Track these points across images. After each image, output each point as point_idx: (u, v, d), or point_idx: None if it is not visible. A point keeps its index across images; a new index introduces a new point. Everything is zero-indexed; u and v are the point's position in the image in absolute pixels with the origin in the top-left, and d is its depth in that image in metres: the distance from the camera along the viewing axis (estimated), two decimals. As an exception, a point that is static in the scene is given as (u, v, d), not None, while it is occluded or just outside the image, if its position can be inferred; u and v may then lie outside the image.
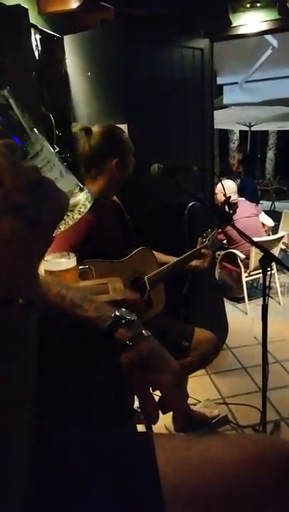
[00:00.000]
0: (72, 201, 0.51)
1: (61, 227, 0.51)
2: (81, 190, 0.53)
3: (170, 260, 1.68)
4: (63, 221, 0.51)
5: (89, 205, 0.55)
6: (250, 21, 2.95)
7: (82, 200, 0.53)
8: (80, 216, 0.54)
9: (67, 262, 1.10)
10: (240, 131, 10.90)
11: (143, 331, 0.74)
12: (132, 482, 0.59)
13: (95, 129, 1.54)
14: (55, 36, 2.43)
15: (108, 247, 1.46)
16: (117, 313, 0.74)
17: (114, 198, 1.68)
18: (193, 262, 1.72)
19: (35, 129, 0.47)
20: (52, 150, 0.50)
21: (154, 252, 1.66)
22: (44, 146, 0.48)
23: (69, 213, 0.52)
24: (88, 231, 1.39)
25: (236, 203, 3.51)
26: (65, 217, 0.50)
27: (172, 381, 0.70)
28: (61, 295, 0.76)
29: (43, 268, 1.09)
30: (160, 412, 0.73)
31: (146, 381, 0.70)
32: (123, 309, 0.77)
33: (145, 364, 0.70)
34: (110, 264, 1.43)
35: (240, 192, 4.56)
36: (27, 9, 2.05)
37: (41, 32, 2.31)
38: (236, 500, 0.58)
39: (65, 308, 0.74)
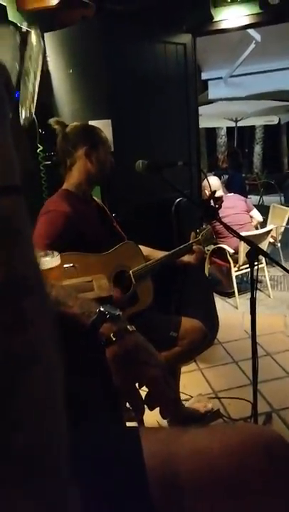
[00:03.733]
0: None
1: None
2: None
3: (160, 255, 1.68)
4: None
5: None
6: (232, 16, 2.95)
7: None
8: None
9: (51, 260, 1.08)
10: (228, 127, 10.93)
11: (128, 326, 0.74)
12: (119, 476, 0.59)
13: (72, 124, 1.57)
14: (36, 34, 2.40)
15: (88, 240, 1.45)
16: (102, 309, 0.74)
17: (96, 198, 1.68)
18: (184, 258, 1.72)
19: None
20: None
21: (144, 246, 1.66)
22: None
23: None
24: (67, 223, 1.40)
25: (221, 197, 3.52)
26: None
27: (158, 374, 0.70)
28: None
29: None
30: (148, 408, 0.73)
31: (131, 375, 0.70)
32: (107, 305, 0.77)
33: (130, 358, 0.70)
34: (93, 257, 1.43)
35: (228, 187, 4.58)
36: (5, 6, 2.02)
37: (21, 30, 2.28)
38: (224, 489, 0.59)
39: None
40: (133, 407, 0.72)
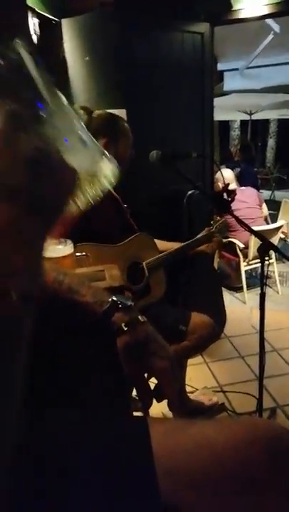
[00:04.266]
0: (92, 171, 0.42)
1: (79, 203, 0.44)
2: (104, 158, 0.44)
3: (172, 247, 1.67)
4: (83, 196, 0.43)
5: (111, 177, 0.45)
6: (251, 5, 2.89)
7: (104, 169, 0.44)
8: (101, 189, 0.45)
9: (64, 248, 1.09)
10: (241, 120, 10.79)
11: (139, 317, 0.74)
12: (126, 466, 0.60)
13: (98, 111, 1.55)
14: (53, 20, 2.38)
15: (101, 230, 1.45)
16: (114, 298, 0.74)
17: (111, 189, 1.67)
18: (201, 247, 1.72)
19: (54, 89, 0.39)
20: (74, 114, 0.40)
21: (156, 239, 1.65)
22: (62, 108, 0.39)
23: (87, 187, 0.43)
24: (82, 216, 1.39)
25: (235, 190, 3.48)
26: (84, 191, 0.42)
27: (167, 366, 0.71)
28: (58, 281, 0.76)
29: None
30: (155, 400, 0.73)
31: (141, 365, 0.70)
32: (120, 295, 0.77)
33: (141, 348, 0.70)
34: (107, 248, 1.43)
35: (240, 180, 4.53)
36: (23, -9, 2.00)
37: (39, 15, 2.26)
38: (229, 483, 0.59)
39: (62, 293, 0.75)
40: (141, 397, 0.72)
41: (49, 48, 2.39)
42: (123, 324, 0.72)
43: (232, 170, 4.18)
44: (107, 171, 0.44)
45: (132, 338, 0.71)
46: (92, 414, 0.70)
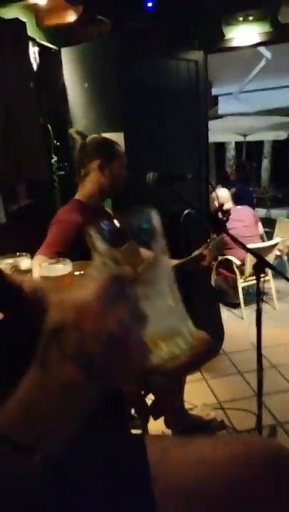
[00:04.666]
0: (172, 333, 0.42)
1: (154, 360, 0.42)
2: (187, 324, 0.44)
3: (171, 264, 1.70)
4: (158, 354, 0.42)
5: (190, 339, 0.45)
6: (243, 34, 3.03)
7: (185, 333, 0.44)
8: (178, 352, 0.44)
9: (63, 267, 1.12)
10: (236, 141, 11.01)
11: None
12: (124, 483, 0.60)
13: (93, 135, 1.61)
14: (53, 48, 2.49)
15: None
16: None
17: (108, 209, 1.72)
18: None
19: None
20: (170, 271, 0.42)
21: None
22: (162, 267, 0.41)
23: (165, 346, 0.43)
24: (77, 233, 1.42)
25: (229, 210, 3.54)
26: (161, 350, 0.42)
27: (165, 381, 0.72)
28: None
29: (38, 274, 1.11)
30: (152, 417, 0.74)
31: (139, 381, 0.71)
32: None
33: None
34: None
35: (237, 200, 4.61)
36: (25, 23, 2.10)
37: (39, 45, 2.37)
38: (227, 500, 0.60)
39: None
40: (138, 413, 0.73)
41: (49, 75, 2.49)
42: None
43: (228, 190, 4.25)
44: (187, 335, 0.45)
45: None
46: (88, 432, 0.71)
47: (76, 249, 1.39)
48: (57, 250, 1.35)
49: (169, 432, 1.75)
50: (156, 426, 1.79)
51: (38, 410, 0.35)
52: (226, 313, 3.31)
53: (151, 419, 1.53)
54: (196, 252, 1.72)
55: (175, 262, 1.72)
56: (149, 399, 1.11)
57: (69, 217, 1.50)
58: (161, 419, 1.81)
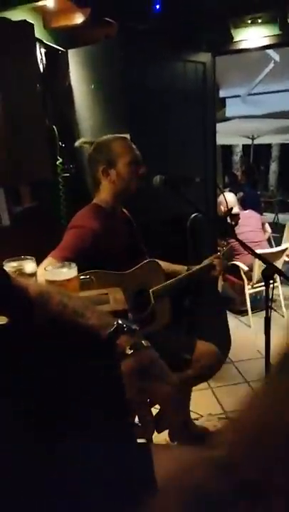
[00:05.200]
0: None
1: None
2: None
3: (178, 269, 1.67)
4: None
5: None
6: (252, 36, 2.99)
7: None
8: None
9: (68, 271, 1.09)
10: (244, 144, 10.97)
11: (143, 341, 0.73)
12: (130, 493, 0.58)
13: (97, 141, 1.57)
14: (60, 50, 2.47)
15: (112, 256, 1.45)
16: (120, 322, 0.74)
17: (125, 211, 1.69)
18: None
19: None
20: None
21: (162, 261, 1.65)
22: None
23: None
24: (93, 239, 1.40)
25: (238, 214, 3.51)
26: None
27: (170, 392, 0.69)
28: (63, 303, 0.76)
29: (43, 278, 1.08)
30: (156, 430, 0.72)
31: (144, 390, 0.69)
32: (124, 319, 0.77)
33: (145, 373, 0.69)
34: (116, 275, 1.43)
35: (244, 204, 4.57)
36: (32, 24, 2.08)
37: (46, 46, 2.35)
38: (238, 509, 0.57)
39: (66, 316, 0.75)
40: (143, 423, 0.71)
41: (55, 77, 2.47)
42: (128, 347, 0.71)
43: (235, 194, 4.21)
44: None
45: (136, 362, 0.70)
46: (94, 442, 0.69)
47: (89, 257, 1.37)
48: (67, 256, 1.32)
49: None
50: (162, 436, 1.75)
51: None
52: (232, 320, 3.25)
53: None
54: (206, 262, 1.68)
55: (183, 268, 1.68)
56: (155, 408, 1.07)
57: (88, 223, 1.47)
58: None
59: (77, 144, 1.65)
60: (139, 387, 0.69)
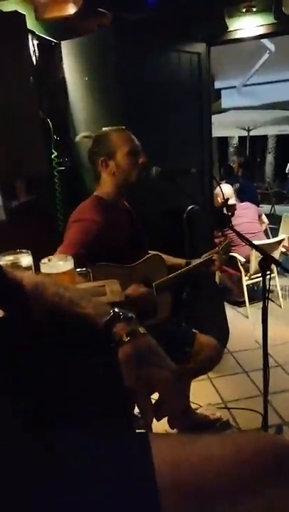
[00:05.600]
0: None
1: None
2: None
3: (179, 263, 1.67)
4: None
5: None
6: (247, 25, 2.96)
7: None
8: None
9: (64, 264, 1.09)
10: (240, 136, 10.93)
11: (140, 328, 0.73)
12: (129, 482, 0.59)
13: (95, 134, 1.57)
14: (52, 42, 2.44)
15: (115, 248, 1.46)
16: (116, 310, 0.74)
17: (126, 203, 1.68)
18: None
19: None
20: None
21: (163, 254, 1.66)
22: None
23: None
24: (97, 232, 1.40)
25: (234, 205, 3.51)
26: None
27: (170, 377, 0.70)
28: (59, 294, 0.77)
29: (40, 271, 1.08)
30: (155, 418, 0.72)
31: (143, 376, 0.69)
32: (121, 307, 0.77)
33: (143, 359, 0.69)
34: (121, 269, 1.43)
35: (240, 196, 4.56)
36: (24, 15, 2.05)
37: (38, 37, 2.32)
38: (235, 498, 0.58)
39: (63, 306, 0.75)
40: (142, 410, 0.71)
41: (48, 69, 2.44)
42: (124, 334, 0.71)
43: (232, 185, 4.21)
44: None
45: (133, 349, 0.70)
46: (92, 431, 0.69)
47: (95, 249, 1.37)
48: (79, 251, 1.32)
49: (173, 430, 1.72)
50: (161, 425, 1.77)
51: None
52: (230, 311, 3.27)
53: (154, 420, 1.51)
54: (205, 256, 1.68)
55: (182, 261, 1.69)
56: (153, 398, 1.08)
57: (91, 216, 1.46)
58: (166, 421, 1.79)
59: (77, 138, 1.64)
60: (138, 374, 0.68)
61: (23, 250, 1.11)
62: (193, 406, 2.01)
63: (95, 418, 0.80)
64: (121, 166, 1.50)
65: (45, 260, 1.10)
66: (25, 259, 1.09)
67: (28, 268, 1.09)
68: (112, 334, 0.71)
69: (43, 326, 0.77)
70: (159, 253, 1.61)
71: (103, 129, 1.59)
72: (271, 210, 7.61)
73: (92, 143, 1.56)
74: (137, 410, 1.39)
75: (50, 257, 1.14)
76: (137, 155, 1.52)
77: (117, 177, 1.51)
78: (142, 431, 0.87)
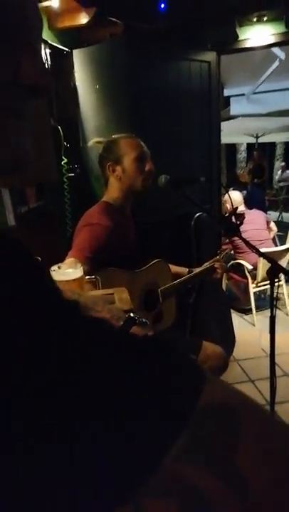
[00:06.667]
0: None
1: None
2: None
3: (181, 271, 1.68)
4: None
5: None
6: (257, 34, 2.98)
7: None
8: None
9: (74, 272, 1.10)
10: (248, 143, 10.94)
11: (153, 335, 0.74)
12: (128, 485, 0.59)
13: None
14: (65, 50, 2.48)
15: (122, 252, 1.47)
16: (132, 315, 0.75)
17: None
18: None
19: None
20: None
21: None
22: None
23: None
24: (106, 236, 1.42)
25: (243, 213, 3.51)
26: None
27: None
28: (73, 299, 0.77)
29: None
30: None
31: None
32: (134, 313, 0.78)
33: None
34: (129, 274, 1.45)
35: (248, 203, 4.56)
36: (38, 25, 2.09)
37: (51, 46, 2.36)
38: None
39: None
40: None
41: (60, 77, 2.48)
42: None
43: (240, 192, 4.21)
44: None
45: None
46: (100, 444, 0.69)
47: (104, 254, 1.39)
48: (89, 256, 1.34)
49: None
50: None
51: None
52: (236, 319, 3.26)
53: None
54: (207, 265, 1.69)
55: (184, 270, 1.70)
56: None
57: (101, 220, 1.49)
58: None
59: (90, 143, 1.67)
60: None
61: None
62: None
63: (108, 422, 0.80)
64: (127, 171, 1.53)
65: (55, 267, 1.11)
66: None
67: None
68: (129, 336, 0.72)
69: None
70: (163, 260, 1.63)
71: (113, 136, 1.61)
72: (279, 217, 7.58)
73: (102, 148, 1.58)
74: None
75: (60, 264, 1.16)
76: (143, 161, 1.54)
77: (124, 182, 1.54)
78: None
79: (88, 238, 1.43)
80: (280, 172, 9.52)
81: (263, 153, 8.99)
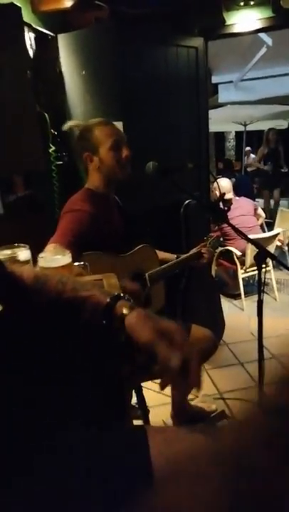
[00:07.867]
0: None
1: None
2: None
3: (168, 257, 1.69)
4: None
5: None
6: (244, 19, 2.96)
7: None
8: None
9: (63, 258, 1.10)
10: (236, 131, 10.92)
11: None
12: (125, 474, 0.60)
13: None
14: (49, 35, 2.43)
15: (106, 238, 1.48)
16: (120, 294, 0.76)
17: (116, 197, 1.70)
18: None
19: None
20: None
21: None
22: None
23: None
24: (89, 222, 1.42)
25: (231, 199, 3.53)
26: None
27: (180, 327, 0.71)
28: (62, 282, 0.78)
29: (38, 265, 1.10)
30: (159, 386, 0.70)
31: (155, 327, 0.69)
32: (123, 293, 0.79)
33: (150, 317, 0.71)
34: (113, 258, 1.45)
35: (236, 190, 4.59)
36: (20, 8, 2.04)
37: (35, 31, 2.31)
38: (239, 481, 0.59)
39: (66, 292, 0.77)
40: (165, 357, 0.66)
41: (45, 63, 2.44)
42: (125, 309, 0.72)
43: (229, 180, 4.23)
44: None
45: (139, 311, 0.72)
46: (91, 425, 0.70)
47: (88, 239, 1.39)
48: (70, 240, 1.34)
49: (169, 422, 1.76)
50: (157, 417, 1.81)
51: None
52: (226, 304, 3.30)
53: (152, 410, 1.54)
54: (194, 250, 1.71)
55: (172, 256, 1.71)
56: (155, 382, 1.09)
57: (83, 206, 1.49)
58: (164, 411, 1.83)
59: (65, 127, 1.63)
60: (151, 325, 0.69)
61: (21, 244, 1.12)
62: (189, 396, 2.04)
63: (93, 407, 0.81)
64: (104, 162, 1.51)
65: (43, 254, 1.11)
66: (23, 254, 1.11)
67: (26, 262, 1.11)
68: (114, 310, 0.73)
69: (46, 314, 0.79)
70: (149, 245, 1.63)
71: (88, 122, 1.58)
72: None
73: (76, 138, 1.56)
74: (134, 401, 1.41)
75: (45, 249, 1.16)
76: (119, 149, 1.51)
77: (103, 172, 1.53)
78: (140, 423, 0.88)
79: (70, 223, 1.43)
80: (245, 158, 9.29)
81: (244, 144, 8.90)
